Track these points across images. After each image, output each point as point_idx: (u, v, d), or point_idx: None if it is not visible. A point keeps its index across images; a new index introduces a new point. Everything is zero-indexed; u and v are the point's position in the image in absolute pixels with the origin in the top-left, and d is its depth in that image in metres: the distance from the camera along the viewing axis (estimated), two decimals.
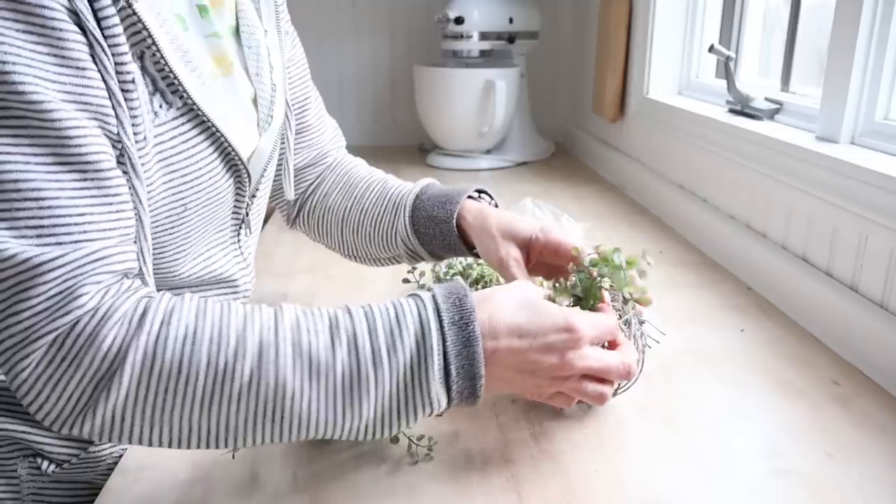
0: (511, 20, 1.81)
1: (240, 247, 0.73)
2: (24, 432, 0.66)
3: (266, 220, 1.36)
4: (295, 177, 0.87)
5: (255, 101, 0.68)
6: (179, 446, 0.51)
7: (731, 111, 1.25)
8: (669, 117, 1.42)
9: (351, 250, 0.87)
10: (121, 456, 0.66)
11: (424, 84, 1.83)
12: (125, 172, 0.52)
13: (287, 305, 0.55)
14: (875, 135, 0.93)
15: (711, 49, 1.28)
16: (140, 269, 0.54)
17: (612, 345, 0.63)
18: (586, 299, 0.65)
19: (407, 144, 2.12)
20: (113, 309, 0.49)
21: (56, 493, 0.69)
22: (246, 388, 0.50)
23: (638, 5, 1.57)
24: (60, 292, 0.47)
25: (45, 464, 0.67)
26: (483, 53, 1.83)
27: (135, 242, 0.54)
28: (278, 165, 0.80)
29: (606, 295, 0.66)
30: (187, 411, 0.50)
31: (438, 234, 0.77)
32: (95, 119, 0.50)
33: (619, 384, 0.70)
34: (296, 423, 0.52)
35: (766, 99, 1.19)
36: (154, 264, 0.62)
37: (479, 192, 0.81)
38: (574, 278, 0.65)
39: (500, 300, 0.57)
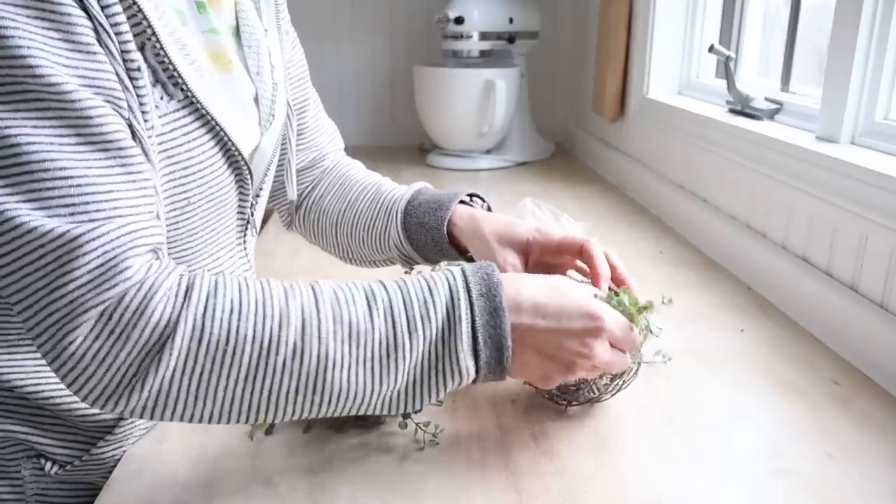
0: (511, 20, 1.81)
1: (245, 248, 0.74)
2: (27, 433, 0.66)
3: (265, 220, 1.36)
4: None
5: (256, 100, 0.68)
6: (220, 421, 0.52)
7: (731, 111, 1.25)
8: (669, 117, 1.42)
9: (346, 253, 0.87)
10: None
11: (424, 84, 1.83)
12: None
13: (323, 280, 0.56)
14: (875, 135, 0.93)
15: (711, 49, 1.28)
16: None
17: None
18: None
19: (407, 144, 2.12)
20: (158, 283, 0.50)
21: (59, 494, 0.69)
22: (290, 360, 0.51)
23: (638, 5, 1.57)
24: (103, 264, 0.48)
25: (49, 465, 0.67)
26: (483, 53, 1.83)
27: (158, 218, 0.54)
28: (279, 165, 0.80)
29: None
30: (232, 383, 0.51)
31: (430, 241, 0.77)
32: (109, 102, 0.51)
33: (619, 385, 0.70)
34: (336, 392, 0.53)
35: (766, 99, 1.19)
36: None
37: (472, 195, 0.81)
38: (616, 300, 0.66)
39: (530, 280, 0.60)
